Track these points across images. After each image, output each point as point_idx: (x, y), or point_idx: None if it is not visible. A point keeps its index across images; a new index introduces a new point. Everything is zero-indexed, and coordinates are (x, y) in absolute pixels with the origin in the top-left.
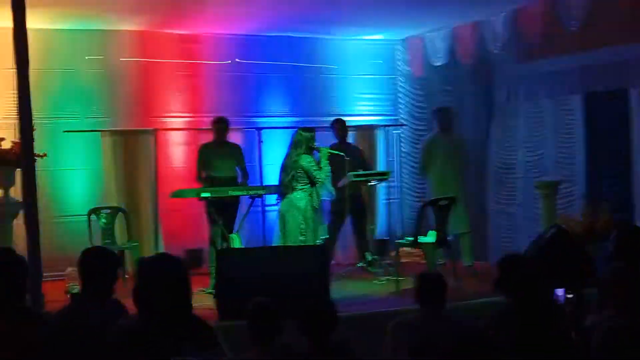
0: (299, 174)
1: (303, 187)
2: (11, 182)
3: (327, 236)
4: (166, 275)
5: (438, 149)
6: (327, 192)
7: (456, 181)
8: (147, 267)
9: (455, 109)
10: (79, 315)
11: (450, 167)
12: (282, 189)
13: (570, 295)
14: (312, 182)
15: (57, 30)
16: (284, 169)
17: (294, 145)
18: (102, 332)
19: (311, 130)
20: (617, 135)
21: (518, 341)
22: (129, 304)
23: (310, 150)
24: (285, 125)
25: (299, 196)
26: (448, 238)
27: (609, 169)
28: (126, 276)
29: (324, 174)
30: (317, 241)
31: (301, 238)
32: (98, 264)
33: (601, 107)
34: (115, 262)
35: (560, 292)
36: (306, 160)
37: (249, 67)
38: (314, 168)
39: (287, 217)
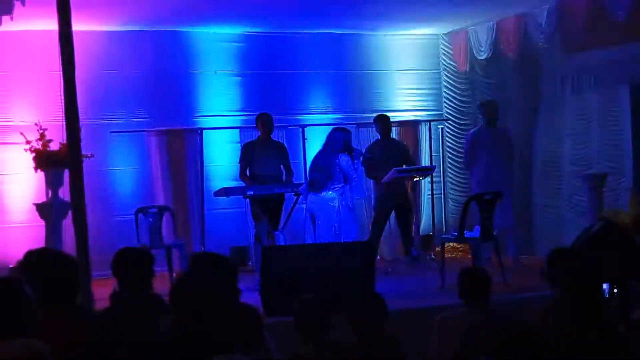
0: (336, 173)
1: (336, 186)
2: (60, 183)
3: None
4: (216, 271)
5: (483, 143)
6: (361, 192)
7: (502, 175)
8: (199, 263)
9: (499, 102)
10: (119, 312)
11: (495, 161)
12: (315, 187)
13: (616, 290)
14: (347, 182)
15: (102, 31)
16: (318, 167)
17: (329, 144)
18: (143, 326)
19: (347, 131)
20: None
21: (565, 335)
22: None
23: (348, 150)
24: (329, 122)
25: (332, 195)
26: (494, 232)
27: None
28: (174, 274)
29: (357, 175)
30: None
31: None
32: (130, 263)
33: None
34: (148, 259)
35: (605, 286)
36: (344, 160)
37: (293, 64)
38: (352, 168)
39: (318, 216)
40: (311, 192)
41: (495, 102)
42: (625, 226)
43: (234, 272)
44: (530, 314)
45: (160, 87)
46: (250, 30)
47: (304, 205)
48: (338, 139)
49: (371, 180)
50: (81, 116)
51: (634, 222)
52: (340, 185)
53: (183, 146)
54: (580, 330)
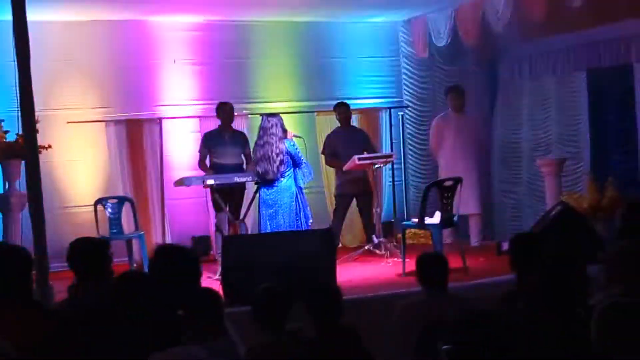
0: (285, 159)
1: (288, 172)
2: (17, 175)
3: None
4: (181, 263)
5: (449, 129)
6: (308, 173)
7: (468, 161)
8: (162, 254)
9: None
10: (76, 303)
11: (461, 147)
12: (270, 177)
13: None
14: (296, 165)
15: (57, 21)
16: (265, 158)
17: (266, 132)
18: (101, 316)
19: (278, 115)
20: (622, 111)
21: (533, 319)
22: None
23: (285, 134)
24: (289, 110)
25: (288, 182)
26: (454, 219)
27: (615, 145)
28: (134, 265)
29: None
30: (310, 222)
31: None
32: (84, 254)
33: (605, 83)
34: (103, 248)
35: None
36: (289, 144)
37: (252, 52)
38: (298, 150)
39: (280, 204)
40: (264, 184)
41: (461, 88)
42: (583, 210)
43: (196, 261)
44: (490, 300)
45: (119, 76)
46: (209, 19)
47: None
48: (276, 125)
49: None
50: (37, 107)
51: (592, 206)
52: (290, 170)
53: (142, 136)
54: (550, 315)
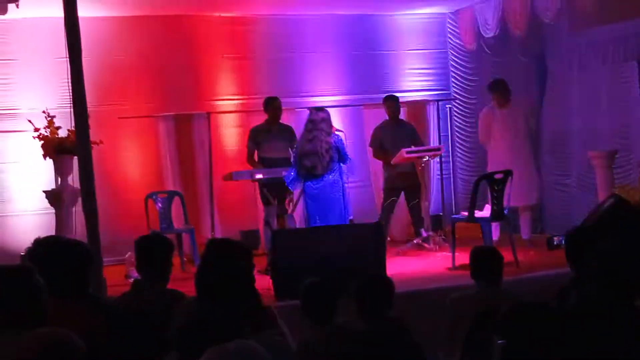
0: (333, 154)
1: (335, 167)
2: (69, 170)
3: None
4: (233, 258)
5: (497, 122)
6: (355, 169)
7: (516, 153)
8: (216, 249)
9: (509, 80)
10: (140, 302)
11: (509, 139)
12: (319, 172)
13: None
14: (343, 160)
15: (108, 17)
16: (312, 153)
17: (313, 126)
18: (162, 319)
19: (325, 109)
20: None
21: (579, 314)
22: (186, 287)
23: (332, 129)
24: (338, 104)
25: (335, 177)
26: (504, 212)
27: None
28: (184, 259)
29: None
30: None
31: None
32: (154, 250)
33: None
34: (170, 248)
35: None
36: (338, 139)
37: (299, 46)
38: (345, 145)
39: (328, 198)
40: (310, 180)
41: (503, 82)
42: (636, 203)
43: (250, 256)
44: (543, 294)
45: (168, 71)
46: (256, 13)
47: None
48: (325, 119)
49: (378, 162)
50: (89, 103)
51: None
52: (337, 166)
53: (191, 131)
54: (607, 309)
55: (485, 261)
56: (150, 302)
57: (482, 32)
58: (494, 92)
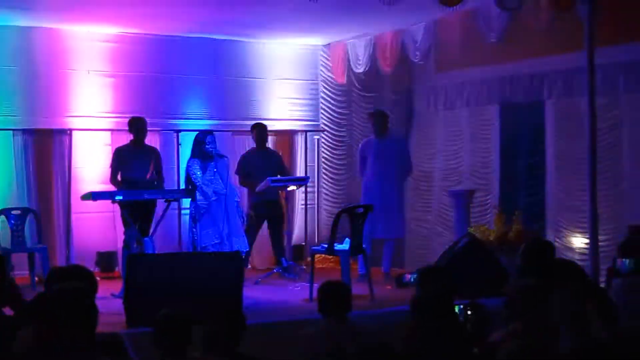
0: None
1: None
2: None
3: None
4: (74, 297)
5: (371, 153)
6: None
7: (390, 186)
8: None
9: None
10: None
11: (383, 171)
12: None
13: (469, 312)
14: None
15: None
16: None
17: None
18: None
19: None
20: (532, 147)
21: (421, 355)
22: None
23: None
24: (204, 128)
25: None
26: (363, 246)
27: (524, 180)
28: (36, 278)
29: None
30: None
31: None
32: None
33: (517, 118)
34: (3, 265)
35: (460, 307)
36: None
37: (168, 67)
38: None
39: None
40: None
41: (384, 112)
42: (489, 243)
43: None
44: (392, 330)
45: (29, 84)
46: (125, 31)
47: (176, 212)
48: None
49: (244, 188)
50: None
51: (498, 239)
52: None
53: (51, 146)
54: (435, 351)
55: (330, 296)
56: None
57: (353, 67)
58: (374, 120)
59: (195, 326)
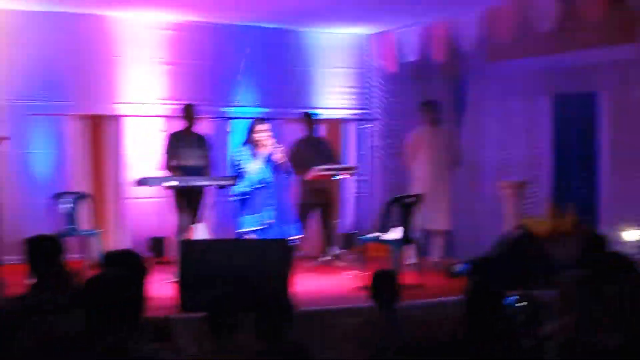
0: None
1: None
2: None
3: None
4: (117, 284)
5: (423, 143)
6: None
7: (439, 176)
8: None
9: (438, 103)
10: (33, 305)
11: (433, 162)
12: None
13: (522, 304)
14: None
15: (24, 11)
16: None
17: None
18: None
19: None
20: (585, 139)
21: (467, 345)
22: None
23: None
24: (255, 115)
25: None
26: (414, 235)
27: (576, 171)
28: (89, 262)
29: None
30: None
31: None
32: (40, 252)
33: (569, 109)
34: (57, 248)
35: (511, 299)
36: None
37: (221, 56)
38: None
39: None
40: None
41: (436, 103)
42: (542, 235)
43: (144, 272)
44: (442, 320)
45: (83, 71)
46: (180, 18)
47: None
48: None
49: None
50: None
51: (551, 231)
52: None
53: (104, 132)
54: (481, 341)
55: (380, 285)
56: (43, 306)
57: (404, 56)
58: (425, 110)
59: (244, 312)
